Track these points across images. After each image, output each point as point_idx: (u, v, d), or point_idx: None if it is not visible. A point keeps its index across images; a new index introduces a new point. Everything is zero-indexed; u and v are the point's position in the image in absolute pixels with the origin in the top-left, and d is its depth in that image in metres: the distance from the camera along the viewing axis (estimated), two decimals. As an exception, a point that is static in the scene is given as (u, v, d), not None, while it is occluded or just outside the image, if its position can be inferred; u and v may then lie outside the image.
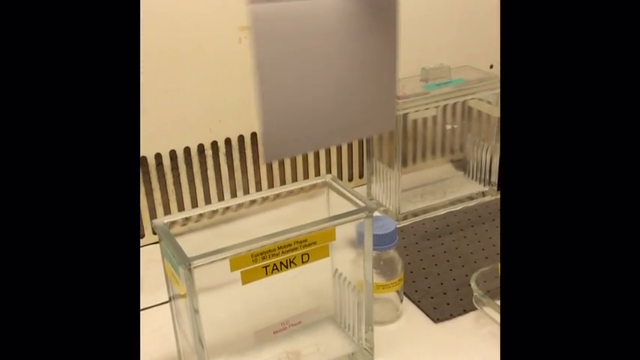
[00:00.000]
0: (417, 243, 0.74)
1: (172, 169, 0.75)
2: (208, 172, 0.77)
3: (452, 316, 0.61)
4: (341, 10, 0.45)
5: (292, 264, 0.49)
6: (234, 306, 0.51)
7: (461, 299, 0.63)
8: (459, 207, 0.82)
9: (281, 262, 0.48)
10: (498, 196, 0.84)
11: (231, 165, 0.78)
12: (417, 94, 0.75)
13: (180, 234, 0.50)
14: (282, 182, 0.82)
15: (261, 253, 0.47)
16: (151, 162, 0.73)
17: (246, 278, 0.47)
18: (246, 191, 0.80)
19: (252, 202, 0.54)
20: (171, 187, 0.76)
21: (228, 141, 0.77)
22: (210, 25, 0.71)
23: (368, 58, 0.48)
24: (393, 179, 0.78)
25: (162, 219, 0.50)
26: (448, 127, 0.85)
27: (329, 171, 0.85)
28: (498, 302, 0.58)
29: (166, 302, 0.53)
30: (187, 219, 0.51)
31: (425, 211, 0.81)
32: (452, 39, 0.88)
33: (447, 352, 0.57)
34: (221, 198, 0.79)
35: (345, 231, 0.51)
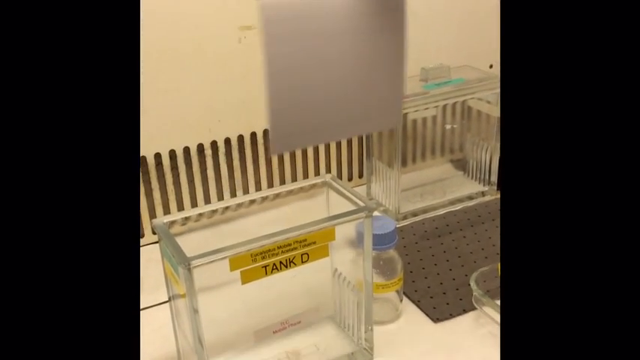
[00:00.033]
0: (416, 243, 0.74)
1: (172, 169, 0.75)
2: (208, 171, 0.77)
3: (451, 316, 0.61)
4: (350, 7, 0.45)
5: (292, 264, 0.49)
6: (233, 306, 0.51)
7: (460, 299, 0.63)
8: (458, 207, 0.82)
9: (280, 262, 0.48)
10: (498, 196, 0.84)
11: (230, 165, 0.78)
12: (417, 94, 0.75)
13: (180, 234, 0.50)
14: (282, 182, 0.82)
15: (261, 253, 0.47)
16: (151, 162, 0.73)
17: (246, 278, 0.47)
18: (246, 191, 0.80)
19: (252, 201, 0.54)
20: (170, 187, 0.76)
21: (227, 141, 0.77)
22: (209, 25, 0.71)
23: (376, 53, 0.48)
24: (393, 179, 0.78)
25: (161, 219, 0.50)
26: (448, 126, 0.85)
27: (329, 171, 0.85)
28: (498, 302, 0.58)
29: (166, 302, 0.53)
30: (187, 219, 0.51)
31: (424, 210, 0.81)
32: (451, 39, 0.88)
33: (446, 351, 0.57)
34: (220, 198, 0.79)
35: (345, 231, 0.51)
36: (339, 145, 0.85)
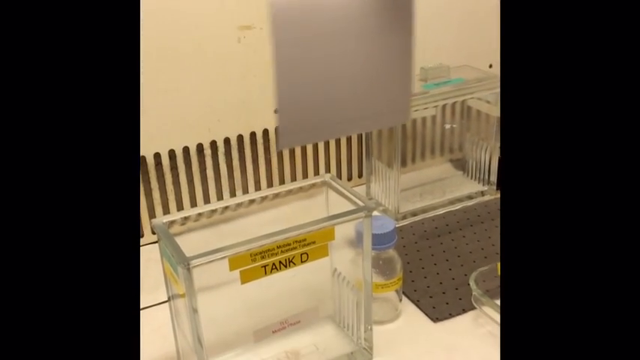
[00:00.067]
0: (416, 242, 0.74)
1: (171, 169, 0.75)
2: (207, 171, 0.77)
3: (451, 316, 0.61)
4: (359, 4, 0.46)
5: (291, 263, 0.49)
6: (233, 305, 0.51)
7: (460, 299, 0.63)
8: (458, 206, 0.82)
9: (280, 262, 0.48)
10: (497, 196, 0.84)
11: (230, 164, 0.78)
12: (416, 94, 0.75)
13: (179, 233, 0.50)
14: (281, 181, 0.82)
15: (260, 253, 0.47)
16: (150, 162, 0.73)
17: (245, 277, 0.47)
18: (245, 191, 0.80)
19: (251, 201, 0.54)
20: (170, 187, 0.76)
21: (227, 140, 0.77)
22: (209, 25, 0.71)
23: (384, 50, 0.49)
24: (392, 179, 0.78)
25: (161, 218, 0.50)
26: (447, 126, 0.85)
27: (328, 170, 0.85)
28: (497, 302, 0.58)
29: (165, 302, 0.53)
30: (186, 218, 0.51)
31: (424, 210, 0.81)
32: (451, 38, 0.88)
33: (445, 351, 0.57)
34: (220, 198, 0.79)
35: (344, 230, 0.51)
36: (338, 144, 0.85)
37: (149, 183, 0.74)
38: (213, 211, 0.52)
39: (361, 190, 0.85)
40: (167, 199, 0.76)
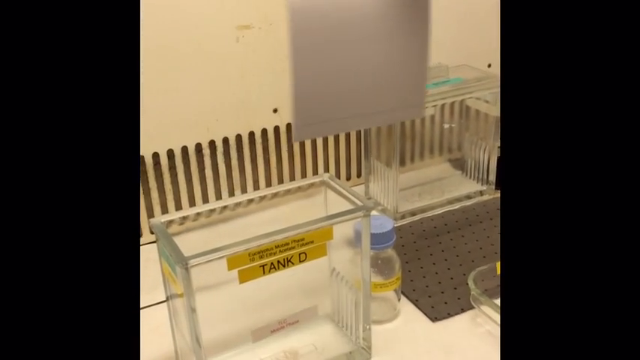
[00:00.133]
0: (414, 242, 0.74)
1: (170, 169, 0.75)
2: (206, 171, 0.77)
3: (449, 315, 0.61)
4: (375, 5, 0.47)
5: (290, 263, 0.49)
6: (231, 305, 0.51)
7: (459, 298, 0.63)
8: (456, 206, 0.82)
9: (278, 261, 0.48)
10: (496, 195, 0.84)
11: (228, 164, 0.78)
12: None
13: (178, 233, 0.50)
14: (280, 181, 0.82)
15: (259, 252, 0.47)
16: (149, 161, 0.73)
17: (244, 277, 0.47)
18: (244, 190, 0.80)
19: (250, 201, 0.54)
20: (168, 187, 0.76)
21: (225, 140, 0.77)
22: (208, 25, 0.71)
23: (401, 46, 0.50)
24: (391, 178, 0.78)
25: (159, 218, 0.50)
26: (446, 126, 0.85)
27: (327, 170, 0.85)
28: (496, 301, 0.58)
29: (164, 301, 0.53)
30: (185, 218, 0.51)
31: (423, 210, 0.81)
32: (450, 38, 0.88)
33: (444, 350, 0.57)
34: (219, 197, 0.79)
35: (343, 230, 0.51)
36: (337, 144, 0.85)
37: (147, 183, 0.74)
38: (212, 211, 0.52)
39: (360, 189, 0.85)
40: (165, 198, 0.76)
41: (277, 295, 0.53)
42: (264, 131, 0.79)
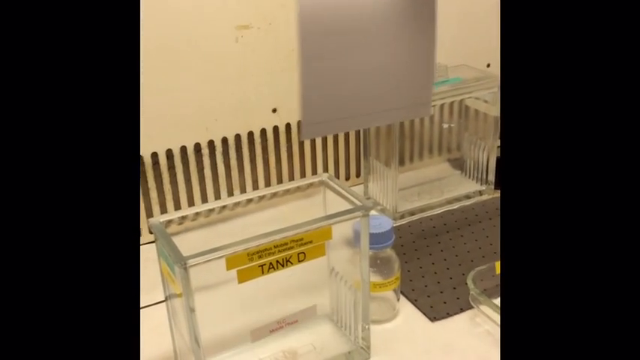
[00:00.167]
0: (414, 242, 0.74)
1: (169, 169, 0.75)
2: (205, 171, 0.77)
3: (448, 315, 0.61)
4: (383, 5, 0.47)
5: (288, 263, 0.49)
6: (230, 305, 0.51)
7: (458, 298, 0.63)
8: (456, 206, 0.82)
9: (277, 261, 0.48)
10: (495, 195, 0.84)
11: (227, 164, 0.78)
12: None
13: (177, 233, 0.50)
14: (279, 181, 0.82)
15: (257, 252, 0.47)
16: (148, 161, 0.73)
17: (243, 277, 0.47)
18: (243, 190, 0.80)
19: (249, 200, 0.54)
20: (167, 187, 0.75)
21: (224, 140, 0.77)
22: (207, 25, 0.71)
23: (408, 47, 0.51)
24: (390, 178, 0.78)
25: (158, 218, 0.50)
26: (445, 125, 0.85)
27: (326, 170, 0.85)
28: (495, 301, 0.58)
29: (162, 301, 0.53)
30: (184, 218, 0.51)
31: (422, 209, 0.81)
32: (449, 38, 0.88)
33: (443, 350, 0.57)
34: (218, 197, 0.79)
35: (342, 230, 0.51)
36: (336, 144, 0.85)
37: (146, 182, 0.74)
38: (211, 211, 0.52)
39: (359, 189, 0.85)
40: (164, 198, 0.76)
41: (276, 295, 0.53)
42: (263, 131, 0.79)
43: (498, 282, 0.62)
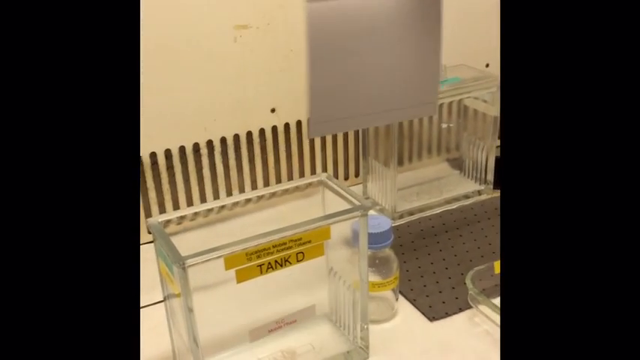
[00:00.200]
0: (412, 242, 0.74)
1: (168, 169, 0.75)
2: (204, 171, 0.77)
3: (447, 315, 0.61)
4: (390, 7, 0.48)
5: (287, 263, 0.49)
6: (228, 305, 0.50)
7: (456, 298, 0.63)
8: (454, 205, 0.82)
9: (276, 261, 0.48)
10: (494, 195, 0.84)
11: (226, 164, 0.78)
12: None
13: (176, 233, 0.50)
14: (278, 181, 0.82)
15: (256, 252, 0.47)
16: (146, 161, 0.73)
17: (241, 277, 0.47)
18: (242, 190, 0.80)
19: (248, 200, 0.54)
20: (166, 187, 0.75)
21: (223, 140, 0.77)
22: (205, 24, 0.71)
23: (414, 45, 0.51)
24: (389, 178, 0.78)
25: (156, 218, 0.50)
26: (444, 125, 0.85)
27: (325, 170, 0.85)
28: (494, 301, 0.58)
29: (161, 301, 0.53)
30: (182, 218, 0.51)
31: (421, 209, 0.81)
32: (448, 37, 0.87)
33: (442, 350, 0.57)
34: (216, 197, 0.79)
35: (340, 229, 0.51)
36: (335, 144, 0.85)
37: (145, 182, 0.74)
38: (210, 211, 0.52)
39: (358, 189, 0.85)
40: (163, 198, 0.76)
41: (275, 295, 0.53)
42: (261, 131, 0.79)
43: (497, 282, 0.63)
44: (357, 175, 0.89)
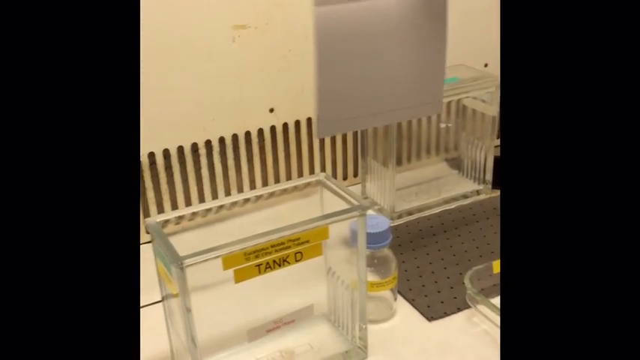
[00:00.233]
0: (411, 241, 0.74)
1: (166, 168, 0.75)
2: (202, 171, 0.77)
3: (446, 315, 0.61)
4: (396, 9, 0.48)
5: (285, 262, 0.49)
6: (226, 305, 0.50)
7: (455, 297, 0.63)
8: (453, 205, 0.82)
9: (274, 261, 0.48)
10: (493, 195, 0.84)
11: (225, 164, 0.78)
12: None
13: (174, 233, 0.50)
14: (277, 181, 0.82)
15: (254, 252, 0.47)
16: (145, 161, 0.73)
17: (239, 277, 0.47)
18: (240, 190, 0.80)
19: (246, 200, 0.54)
20: (164, 187, 0.75)
21: (222, 140, 0.77)
22: (204, 24, 0.71)
23: (420, 46, 0.53)
24: (388, 178, 0.78)
25: (154, 218, 0.50)
26: (443, 125, 0.85)
27: (323, 170, 0.85)
28: (492, 300, 0.58)
29: (159, 302, 0.53)
30: (181, 218, 0.51)
31: (419, 209, 0.81)
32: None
33: (440, 350, 0.57)
34: (215, 197, 0.79)
35: (339, 229, 0.51)
36: (333, 144, 0.85)
37: (143, 182, 0.74)
38: (208, 211, 0.52)
39: (357, 189, 0.85)
40: (161, 198, 0.76)
41: (273, 295, 0.53)
42: (260, 131, 0.79)
43: (495, 281, 0.63)
44: (355, 175, 0.89)
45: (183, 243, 0.46)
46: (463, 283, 0.61)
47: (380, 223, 0.58)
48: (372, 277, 0.58)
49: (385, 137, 0.77)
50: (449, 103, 0.83)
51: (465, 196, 0.84)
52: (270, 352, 0.54)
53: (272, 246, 0.47)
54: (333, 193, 0.54)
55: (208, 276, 0.47)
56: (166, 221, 0.50)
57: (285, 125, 0.80)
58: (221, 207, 0.53)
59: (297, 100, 0.79)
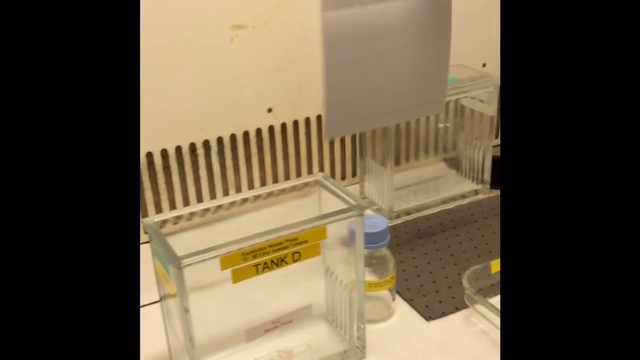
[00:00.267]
0: (409, 241, 0.74)
1: (164, 168, 0.75)
2: (200, 171, 0.77)
3: (444, 314, 0.61)
4: (403, 13, 0.49)
5: (283, 262, 0.49)
6: (224, 305, 0.50)
7: (453, 297, 0.63)
8: (451, 205, 0.82)
9: (272, 261, 0.48)
10: (491, 195, 0.84)
11: (223, 164, 0.78)
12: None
13: (172, 233, 0.50)
14: (275, 181, 0.82)
15: (252, 252, 0.47)
16: (143, 161, 0.73)
17: (237, 277, 0.47)
18: (239, 190, 0.80)
19: (244, 200, 0.54)
20: (162, 187, 0.75)
21: (220, 140, 0.77)
22: (202, 24, 0.71)
23: (425, 48, 0.54)
24: (386, 178, 0.78)
25: (152, 218, 0.50)
26: (441, 125, 0.85)
27: (321, 169, 0.85)
28: (490, 300, 0.58)
29: (157, 302, 0.53)
30: (179, 218, 0.51)
31: (418, 209, 0.81)
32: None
33: (438, 350, 0.57)
34: (213, 197, 0.79)
35: (337, 229, 0.51)
36: (332, 144, 0.85)
37: (141, 182, 0.74)
38: (206, 211, 0.52)
39: (355, 189, 0.84)
40: (159, 198, 0.76)
41: (271, 295, 0.53)
42: (258, 131, 0.79)
43: (494, 281, 0.63)
44: (354, 174, 0.89)
45: (181, 243, 0.46)
46: (461, 283, 0.61)
47: (378, 222, 0.58)
48: (370, 277, 0.58)
49: (383, 137, 0.77)
50: (447, 102, 0.82)
51: (463, 196, 0.84)
52: (268, 352, 0.54)
53: (270, 246, 0.47)
54: (331, 193, 0.54)
55: (206, 276, 0.47)
56: (164, 221, 0.50)
57: (284, 125, 0.80)
58: (219, 207, 0.53)
59: (295, 100, 0.79)
